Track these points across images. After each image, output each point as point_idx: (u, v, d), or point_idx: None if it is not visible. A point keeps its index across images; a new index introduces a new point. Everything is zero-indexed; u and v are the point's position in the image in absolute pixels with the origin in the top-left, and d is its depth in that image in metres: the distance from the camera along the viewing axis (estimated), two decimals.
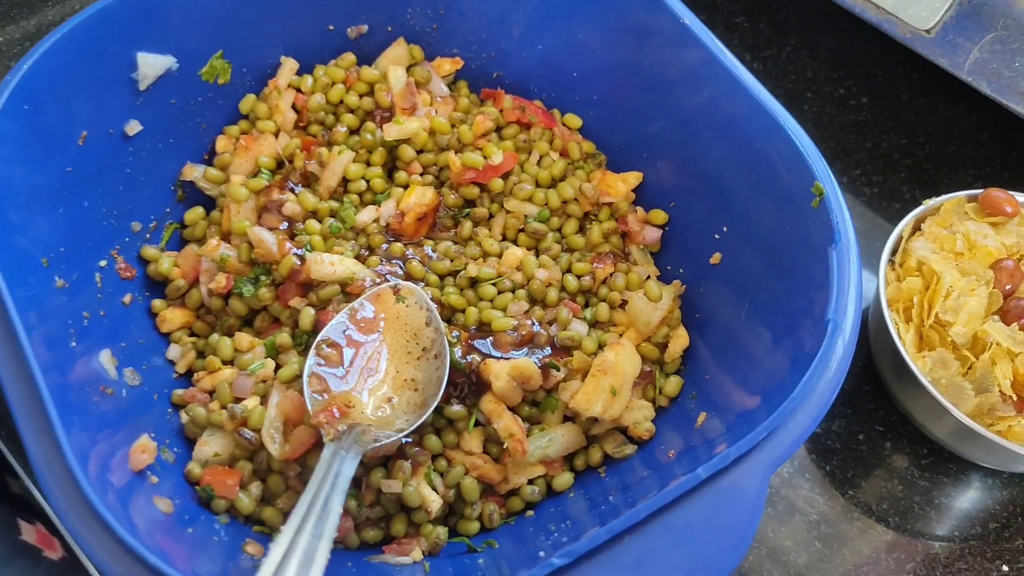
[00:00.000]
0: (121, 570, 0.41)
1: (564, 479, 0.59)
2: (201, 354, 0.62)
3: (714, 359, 0.60)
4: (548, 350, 0.60)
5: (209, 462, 0.55)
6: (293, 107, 0.67)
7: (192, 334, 0.63)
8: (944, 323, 0.61)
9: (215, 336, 0.61)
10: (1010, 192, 0.65)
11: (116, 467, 0.48)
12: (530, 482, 0.58)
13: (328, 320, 0.58)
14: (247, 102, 0.68)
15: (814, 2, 0.79)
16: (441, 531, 0.56)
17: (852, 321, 0.49)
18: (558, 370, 0.59)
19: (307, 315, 0.59)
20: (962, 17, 0.69)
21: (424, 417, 0.56)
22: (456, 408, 0.58)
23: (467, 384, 0.59)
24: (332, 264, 0.60)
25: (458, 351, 0.58)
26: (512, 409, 0.59)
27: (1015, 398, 0.59)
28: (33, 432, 0.44)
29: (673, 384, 0.61)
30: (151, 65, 0.61)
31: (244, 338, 0.61)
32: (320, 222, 0.64)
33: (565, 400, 0.59)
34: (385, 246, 0.64)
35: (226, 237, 0.64)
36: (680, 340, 0.61)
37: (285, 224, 0.63)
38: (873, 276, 0.66)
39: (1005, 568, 0.61)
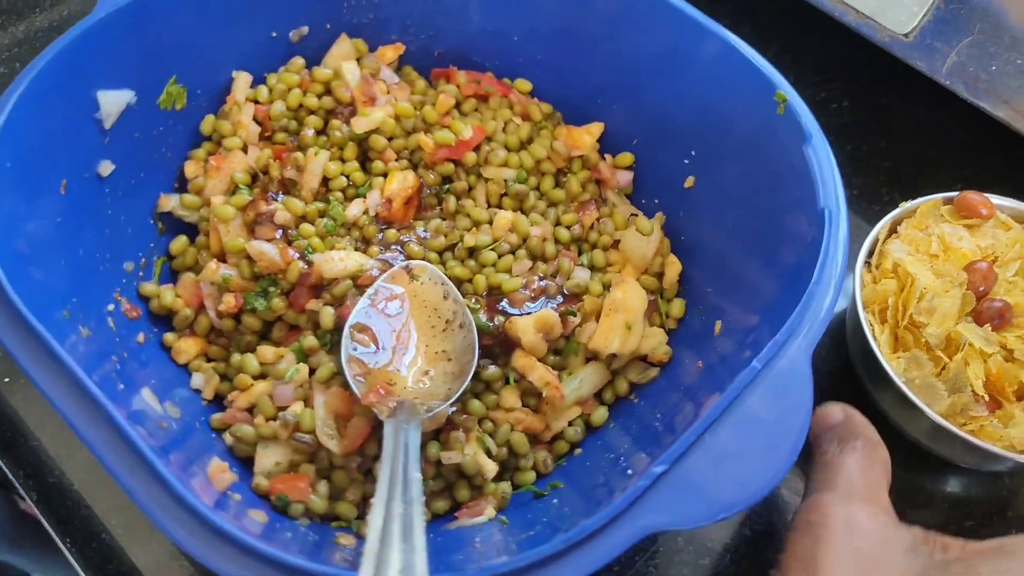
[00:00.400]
0: None
1: (600, 414, 0.63)
2: (224, 377, 0.62)
3: (711, 275, 0.64)
4: (559, 299, 0.64)
5: (272, 473, 0.56)
6: (255, 119, 0.68)
7: (209, 359, 0.63)
8: (918, 324, 0.63)
9: (236, 356, 0.62)
10: (985, 194, 0.68)
11: (204, 491, 0.49)
12: (570, 424, 0.62)
13: (347, 314, 0.60)
14: (207, 123, 0.68)
15: (798, 7, 0.82)
16: (505, 486, 0.59)
17: (843, 209, 0.54)
18: (575, 315, 0.63)
19: (327, 314, 0.60)
20: (939, 21, 0.72)
21: (467, 382, 0.58)
22: (491, 370, 0.61)
23: (496, 345, 0.62)
24: (341, 260, 0.61)
25: (483, 316, 0.61)
26: (539, 360, 0.62)
27: (987, 398, 0.61)
28: (127, 470, 0.44)
29: (677, 306, 0.65)
30: (112, 102, 0.60)
31: (268, 350, 0.61)
32: (313, 224, 0.65)
33: (584, 342, 0.63)
34: (379, 235, 0.66)
35: (220, 258, 0.64)
36: (674, 266, 0.66)
37: (279, 233, 0.64)
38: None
39: None
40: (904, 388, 0.60)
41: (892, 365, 0.62)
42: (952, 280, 0.63)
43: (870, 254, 0.67)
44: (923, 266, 0.64)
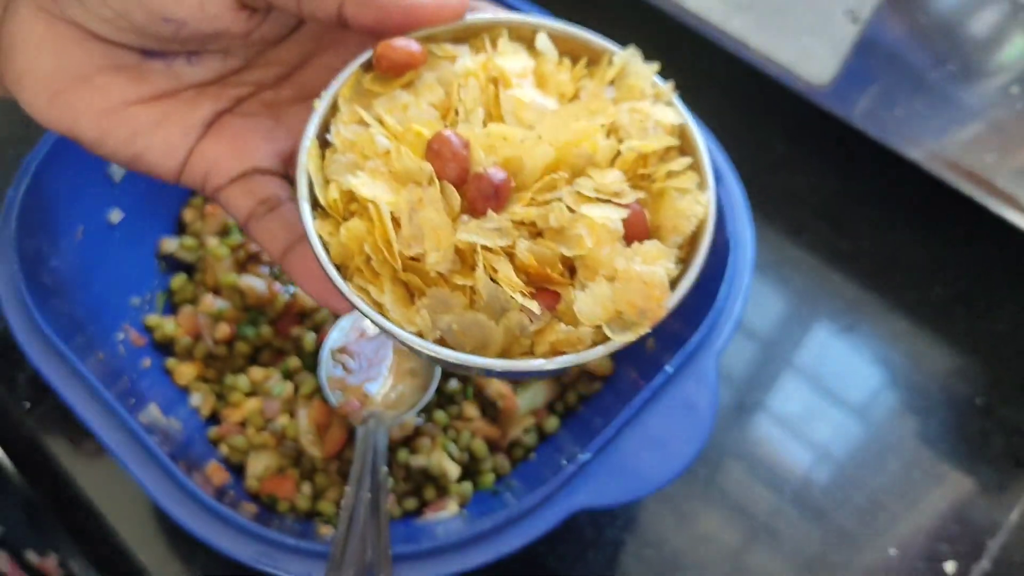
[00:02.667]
0: (250, 554, 0.51)
1: (552, 422, 0.71)
2: (219, 396, 0.71)
3: None
4: None
5: (262, 476, 0.65)
6: None
7: (205, 380, 0.72)
8: (418, 258, 0.40)
9: (230, 377, 0.70)
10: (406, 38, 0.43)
11: (205, 486, 0.57)
12: (525, 431, 0.71)
13: (325, 338, 0.69)
14: None
15: (733, 57, 0.92)
16: (467, 486, 0.67)
17: (747, 232, 0.63)
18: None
19: (309, 339, 0.69)
20: (850, 72, 0.82)
21: (429, 395, 0.67)
22: (453, 384, 0.70)
23: None
24: None
25: None
26: None
27: (535, 302, 0.39)
28: (141, 466, 0.53)
29: None
30: None
31: (257, 372, 0.70)
32: None
33: None
34: None
35: (215, 291, 0.73)
36: None
37: (266, 269, 0.73)
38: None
39: None
40: (435, 350, 0.39)
41: (409, 326, 0.40)
42: (419, 180, 0.40)
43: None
44: (380, 180, 0.41)
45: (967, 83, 0.79)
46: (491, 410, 0.71)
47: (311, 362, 0.70)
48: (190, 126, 0.45)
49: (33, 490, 0.73)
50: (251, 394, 0.70)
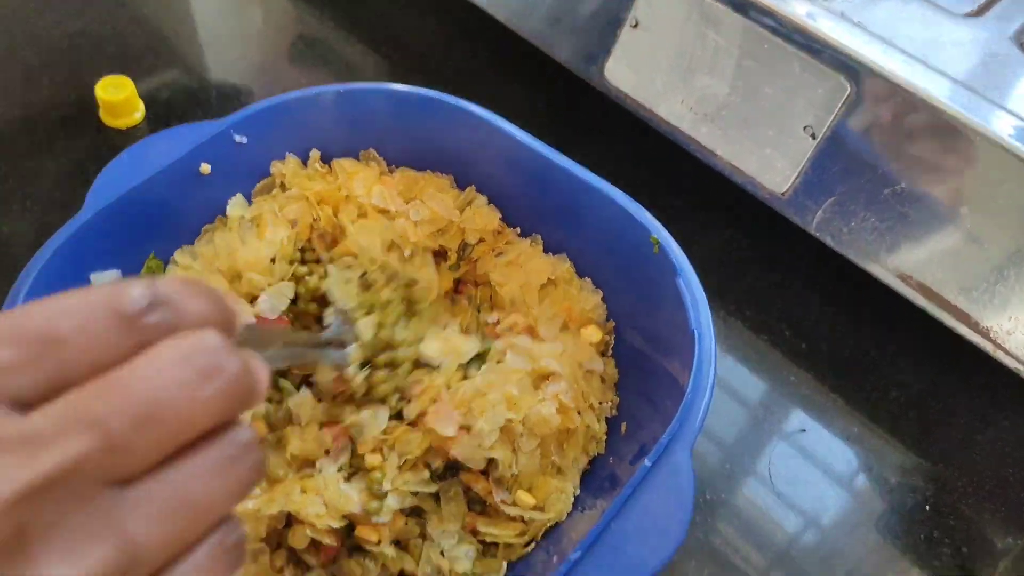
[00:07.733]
0: None
1: None
2: None
3: (622, 381, 0.77)
4: None
5: None
6: None
7: None
8: None
9: None
10: None
11: None
12: None
13: None
14: None
15: (703, 165, 0.96)
16: None
17: (709, 327, 0.66)
18: None
19: None
20: (807, 184, 0.87)
21: None
22: None
23: None
24: None
25: None
26: None
27: None
28: None
29: None
30: (101, 280, 0.71)
31: None
32: None
33: None
34: None
35: None
36: None
37: None
38: None
39: None
40: None
41: None
42: None
43: None
44: None
45: (917, 202, 0.83)
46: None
47: None
48: None
49: None
50: None
